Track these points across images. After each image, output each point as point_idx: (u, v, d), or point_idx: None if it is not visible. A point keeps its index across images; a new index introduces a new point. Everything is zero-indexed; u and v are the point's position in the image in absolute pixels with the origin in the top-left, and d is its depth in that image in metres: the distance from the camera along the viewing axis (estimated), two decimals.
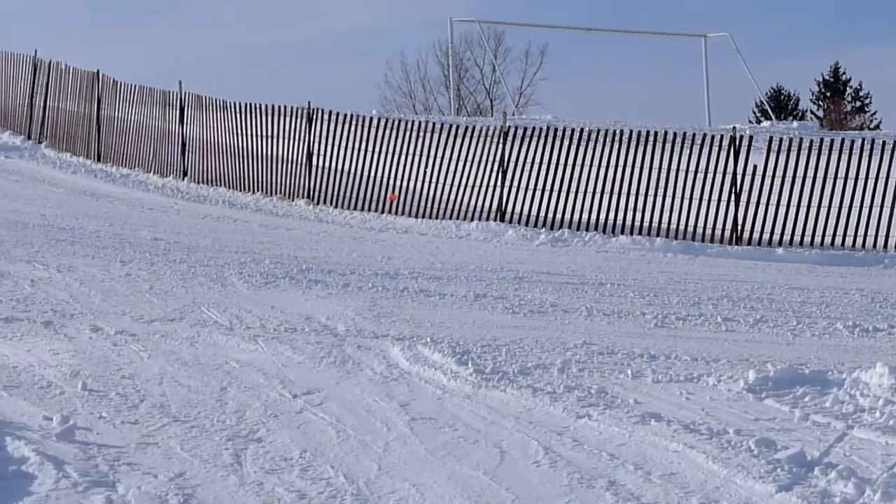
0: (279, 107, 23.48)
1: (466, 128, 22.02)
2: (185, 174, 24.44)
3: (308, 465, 7.15)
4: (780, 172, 19.42)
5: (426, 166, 21.84)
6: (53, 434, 7.53)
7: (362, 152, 22.46)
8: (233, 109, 24.09)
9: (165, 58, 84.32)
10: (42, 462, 6.87)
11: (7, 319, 11.07)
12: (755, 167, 19.60)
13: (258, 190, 23.23)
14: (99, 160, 25.77)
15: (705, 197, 19.75)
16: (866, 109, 65.86)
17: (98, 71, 26.50)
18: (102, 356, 9.85)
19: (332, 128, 22.83)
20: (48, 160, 25.46)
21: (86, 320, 11.19)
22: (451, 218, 21.19)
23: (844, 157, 19.27)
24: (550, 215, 20.60)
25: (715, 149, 19.90)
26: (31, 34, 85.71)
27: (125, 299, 12.24)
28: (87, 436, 7.61)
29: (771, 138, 20.29)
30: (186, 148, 24.61)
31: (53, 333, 10.63)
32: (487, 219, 20.86)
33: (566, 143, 20.80)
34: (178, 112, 24.85)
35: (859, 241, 18.91)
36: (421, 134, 22.09)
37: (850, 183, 19.08)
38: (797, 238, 19.10)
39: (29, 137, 27.46)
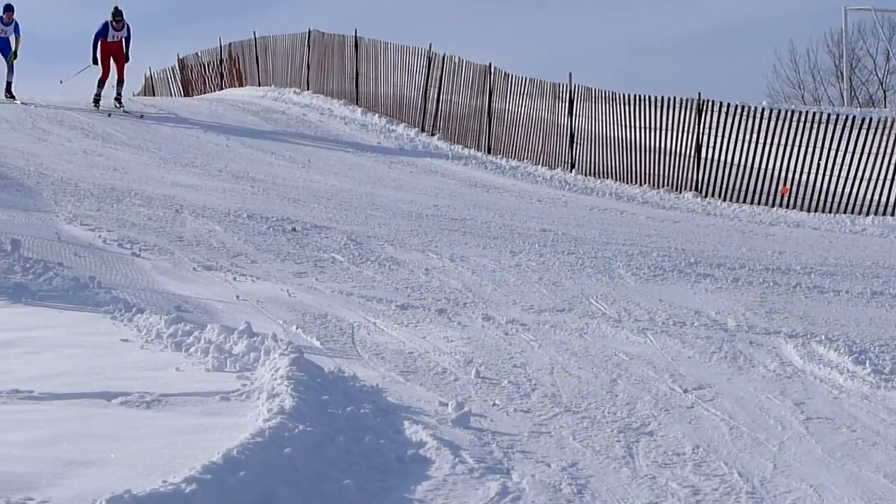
0: (668, 98, 23.33)
1: (863, 119, 21.29)
2: (572, 166, 24.61)
3: (701, 461, 7.06)
4: None
5: (819, 159, 21.23)
6: (449, 420, 7.71)
7: (752, 144, 22.05)
8: (621, 101, 24.09)
9: (554, 49, 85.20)
10: (439, 447, 7.03)
11: (403, 306, 11.41)
12: None
13: (645, 182, 23.15)
14: (489, 152, 26.24)
15: None
16: None
17: (490, 64, 27.00)
18: (494, 345, 10.02)
19: (721, 119, 22.50)
20: (440, 152, 26.11)
21: (478, 309, 11.41)
22: (845, 212, 20.53)
23: None
24: None
25: None
26: (425, 28, 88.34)
27: (515, 289, 12.41)
28: (481, 422, 7.75)
29: None
30: (574, 140, 24.77)
31: (447, 321, 10.88)
32: (884, 213, 20.10)
33: None
34: (566, 104, 25.04)
35: None
36: (813, 125, 21.50)
37: None
38: None
39: (422, 130, 28.20)
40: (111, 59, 26.67)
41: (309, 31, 32.72)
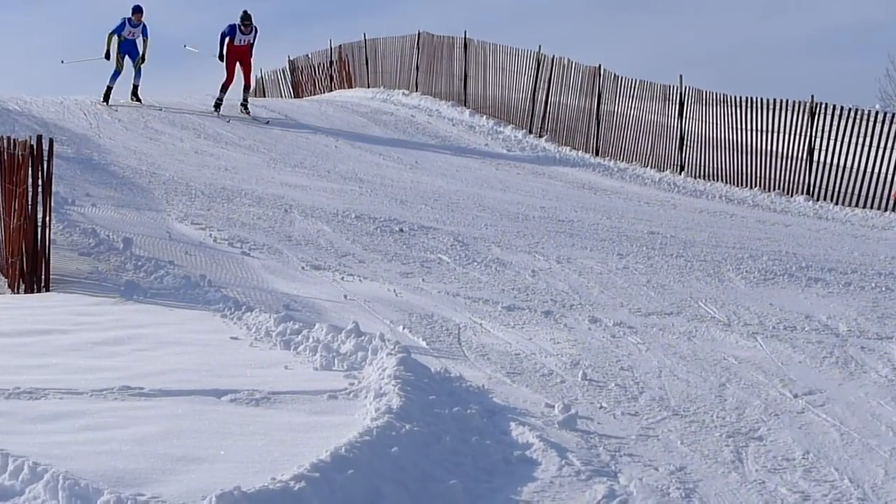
0: (779, 101, 23.04)
1: None
2: (681, 169, 24.41)
3: (811, 467, 6.97)
4: None
5: None
6: (555, 422, 7.69)
7: (865, 148, 21.71)
8: (732, 103, 23.85)
9: (664, 51, 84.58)
10: (545, 449, 7.02)
11: (509, 308, 11.40)
12: None
13: (756, 185, 22.88)
14: (597, 154, 26.11)
15: None
16: None
17: (599, 66, 26.86)
18: (601, 347, 9.97)
19: (834, 122, 22.19)
20: (548, 154, 26.04)
21: (584, 311, 11.37)
22: None
23: None
24: None
25: None
26: (535, 30, 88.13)
27: (622, 292, 12.34)
28: (587, 425, 7.72)
29: None
30: (684, 142, 24.58)
31: (553, 323, 10.86)
32: None
33: None
34: (677, 106, 24.84)
35: None
36: None
37: None
38: None
39: (530, 132, 28.15)
40: (237, 63, 26.25)
41: (418, 33, 32.82)
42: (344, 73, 36.28)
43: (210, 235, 14.42)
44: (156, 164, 20.16)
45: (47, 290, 11.86)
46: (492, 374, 9.00)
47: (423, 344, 9.88)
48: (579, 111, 27.15)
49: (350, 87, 35.44)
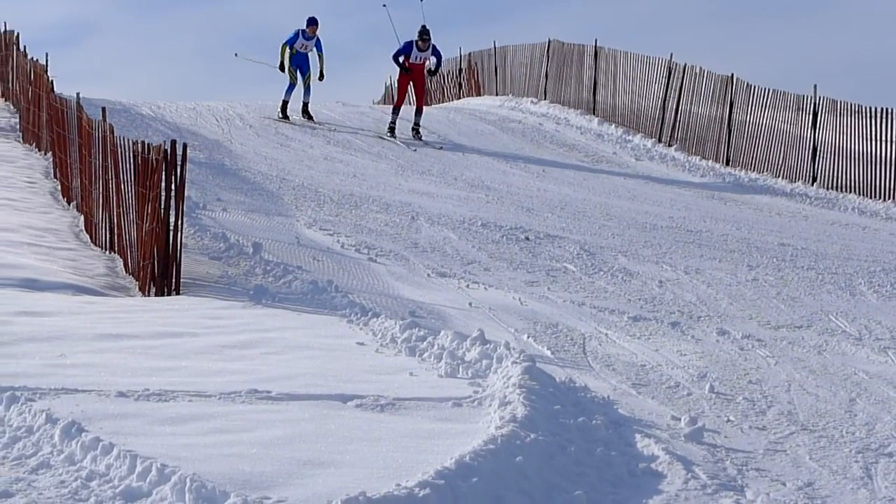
0: None
1: None
2: (814, 179, 24.06)
3: None
4: None
5: None
6: (682, 434, 7.62)
7: None
8: (867, 114, 23.43)
9: (799, 61, 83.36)
10: (671, 461, 6.96)
11: (635, 318, 11.33)
12: None
13: (889, 197, 22.47)
14: (727, 164, 25.83)
15: None
16: None
17: (732, 75, 26.58)
18: (729, 360, 9.86)
19: None
20: (677, 163, 25.82)
21: (712, 323, 11.26)
22: None
23: None
24: None
25: None
26: (667, 38, 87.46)
27: (752, 304, 12.19)
28: (714, 438, 7.64)
29: None
30: (817, 153, 24.22)
31: (680, 334, 10.76)
32: None
33: None
34: (810, 116, 24.49)
35: None
36: None
37: None
38: None
39: (659, 140, 27.95)
40: (410, 83, 25.32)
41: (548, 41, 32.77)
42: (473, 82, 36.37)
43: (338, 241, 14.54)
44: (286, 169, 20.37)
45: (178, 293, 12.04)
46: (617, 385, 8.95)
47: (548, 353, 9.86)
48: (710, 120, 26.89)
49: (479, 94, 35.50)
